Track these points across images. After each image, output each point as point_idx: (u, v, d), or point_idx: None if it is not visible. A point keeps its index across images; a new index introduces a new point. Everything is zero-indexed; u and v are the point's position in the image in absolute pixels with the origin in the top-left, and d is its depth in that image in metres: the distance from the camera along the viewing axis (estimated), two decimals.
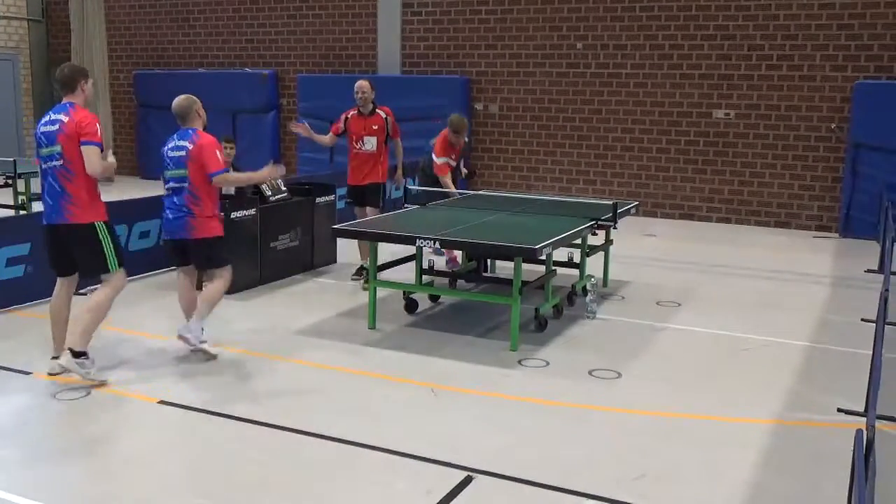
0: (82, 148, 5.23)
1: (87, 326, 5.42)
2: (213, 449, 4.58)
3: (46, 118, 5.42)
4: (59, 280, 5.63)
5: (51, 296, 5.70)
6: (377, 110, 8.25)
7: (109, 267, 5.48)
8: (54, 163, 5.32)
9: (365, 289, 7.54)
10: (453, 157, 8.88)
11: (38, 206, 9.70)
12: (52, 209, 5.40)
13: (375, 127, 8.17)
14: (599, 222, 7.28)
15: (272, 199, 8.27)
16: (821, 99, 11.72)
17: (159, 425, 4.90)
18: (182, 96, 6.04)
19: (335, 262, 9.04)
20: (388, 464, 4.39)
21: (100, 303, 5.47)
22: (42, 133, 5.37)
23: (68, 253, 5.49)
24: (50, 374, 5.49)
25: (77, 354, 5.33)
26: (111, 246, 5.46)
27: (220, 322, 6.85)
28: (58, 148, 5.29)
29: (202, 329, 5.91)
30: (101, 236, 5.41)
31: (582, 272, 7.73)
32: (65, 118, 5.30)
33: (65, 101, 5.43)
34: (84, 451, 4.52)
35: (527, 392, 5.44)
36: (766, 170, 12.15)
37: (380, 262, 6.87)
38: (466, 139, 9.29)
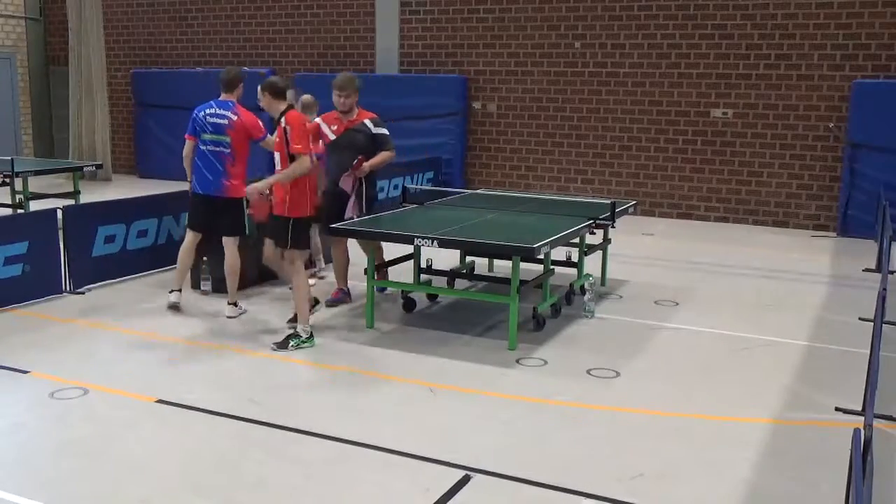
0: (262, 144, 6.78)
1: (233, 285, 6.94)
2: (212, 448, 4.58)
3: (211, 109, 6.78)
4: (190, 233, 7.05)
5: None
6: (283, 118, 6.11)
7: (246, 231, 6.98)
8: (222, 149, 6.74)
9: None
10: (333, 127, 7.10)
11: (35, 206, 9.76)
12: (212, 184, 6.79)
13: (277, 139, 6.21)
14: (597, 221, 7.28)
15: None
16: (819, 98, 11.73)
17: (158, 425, 4.89)
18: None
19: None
20: (386, 463, 4.40)
21: (236, 262, 6.91)
22: (209, 122, 6.75)
23: (211, 217, 6.87)
24: (170, 307, 7.03)
25: (235, 304, 6.97)
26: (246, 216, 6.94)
27: (220, 321, 6.85)
28: (227, 139, 6.71)
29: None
30: (244, 208, 6.87)
31: (580, 271, 7.74)
32: (233, 116, 6.72)
33: (224, 98, 6.81)
34: (82, 450, 4.52)
35: (525, 391, 5.45)
36: (764, 169, 12.16)
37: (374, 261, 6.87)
38: (386, 130, 7.19)
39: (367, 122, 7.15)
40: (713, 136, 12.40)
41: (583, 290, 7.34)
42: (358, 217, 7.00)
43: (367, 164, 7.04)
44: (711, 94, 12.30)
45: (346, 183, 7.00)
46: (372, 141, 7.13)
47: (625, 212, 8.06)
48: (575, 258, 7.86)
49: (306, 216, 6.26)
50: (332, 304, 7.31)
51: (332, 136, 7.11)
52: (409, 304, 7.25)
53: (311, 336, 6.24)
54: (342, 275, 7.46)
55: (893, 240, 8.54)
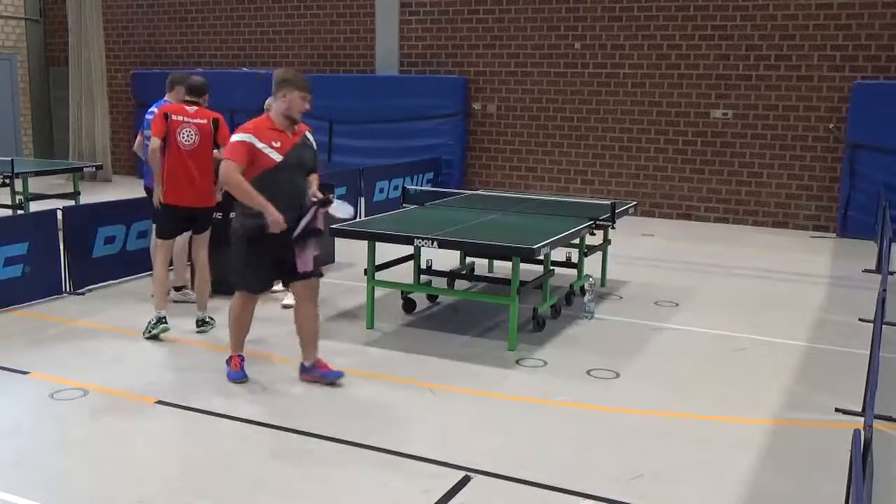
0: None
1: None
2: (211, 449, 4.58)
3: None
4: None
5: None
6: None
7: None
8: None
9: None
10: (277, 144, 5.19)
11: (35, 207, 9.77)
12: (145, 176, 7.52)
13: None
14: (597, 222, 7.29)
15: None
16: (818, 99, 11.73)
17: (157, 425, 4.89)
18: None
19: (333, 261, 9.03)
20: (385, 463, 4.40)
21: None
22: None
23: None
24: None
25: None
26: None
27: (218, 322, 6.85)
28: (148, 131, 6.85)
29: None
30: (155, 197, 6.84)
31: (580, 272, 7.74)
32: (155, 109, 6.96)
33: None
34: (82, 450, 4.52)
35: (525, 392, 5.45)
36: (764, 170, 12.17)
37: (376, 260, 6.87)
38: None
39: (308, 134, 5.50)
40: (713, 137, 12.40)
41: (583, 291, 7.34)
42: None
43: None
44: (711, 95, 12.31)
45: (318, 220, 5.30)
46: (315, 158, 5.57)
47: (625, 212, 8.06)
48: (575, 259, 7.86)
49: (165, 203, 6.48)
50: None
51: (279, 157, 5.17)
52: (409, 305, 7.25)
53: (158, 322, 6.37)
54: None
55: (893, 241, 8.55)
